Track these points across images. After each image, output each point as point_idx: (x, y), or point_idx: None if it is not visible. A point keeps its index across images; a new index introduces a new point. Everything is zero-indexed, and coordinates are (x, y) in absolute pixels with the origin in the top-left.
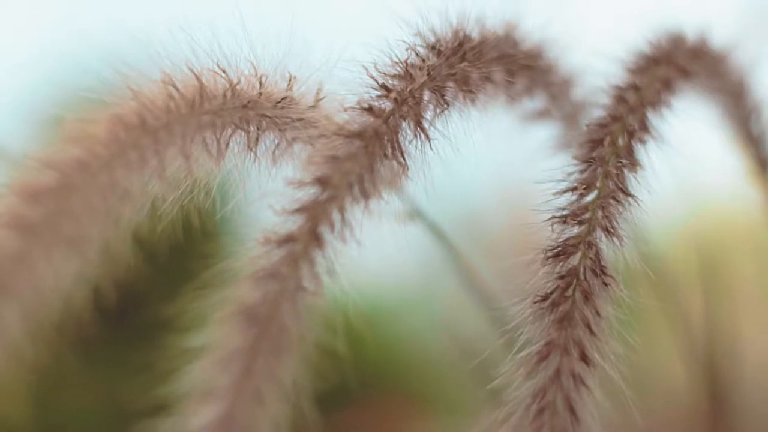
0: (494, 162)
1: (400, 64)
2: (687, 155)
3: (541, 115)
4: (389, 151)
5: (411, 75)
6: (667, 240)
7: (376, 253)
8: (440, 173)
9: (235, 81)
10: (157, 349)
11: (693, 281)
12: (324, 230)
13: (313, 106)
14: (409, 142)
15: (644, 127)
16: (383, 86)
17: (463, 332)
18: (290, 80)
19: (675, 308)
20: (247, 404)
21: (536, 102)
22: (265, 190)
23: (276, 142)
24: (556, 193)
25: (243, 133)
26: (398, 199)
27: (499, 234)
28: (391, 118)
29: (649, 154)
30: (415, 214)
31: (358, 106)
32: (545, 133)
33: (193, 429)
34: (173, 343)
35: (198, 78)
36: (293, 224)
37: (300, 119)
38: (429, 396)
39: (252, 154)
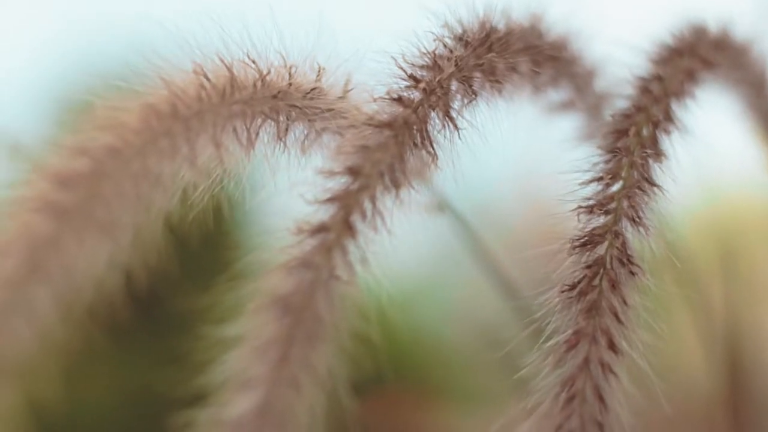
0: (517, 152)
1: (429, 55)
2: (707, 145)
3: (565, 106)
4: (419, 140)
5: (439, 66)
6: (687, 229)
7: (399, 242)
8: (465, 163)
9: (265, 72)
10: (190, 339)
11: (713, 270)
12: (356, 219)
13: (342, 97)
14: (438, 132)
15: (668, 117)
16: (412, 77)
17: (485, 322)
18: (319, 71)
19: (695, 296)
20: (283, 392)
21: (560, 93)
22: (295, 179)
23: (305, 132)
24: (582, 183)
25: (273, 123)
26: (425, 189)
27: (520, 224)
28: (420, 108)
29: (673, 144)
30: (443, 204)
31: (387, 97)
32: (569, 124)
33: (229, 418)
34: (207, 333)
35: (229, 68)
36: (325, 214)
37: (329, 110)
38: (448, 386)
39: (281, 143)
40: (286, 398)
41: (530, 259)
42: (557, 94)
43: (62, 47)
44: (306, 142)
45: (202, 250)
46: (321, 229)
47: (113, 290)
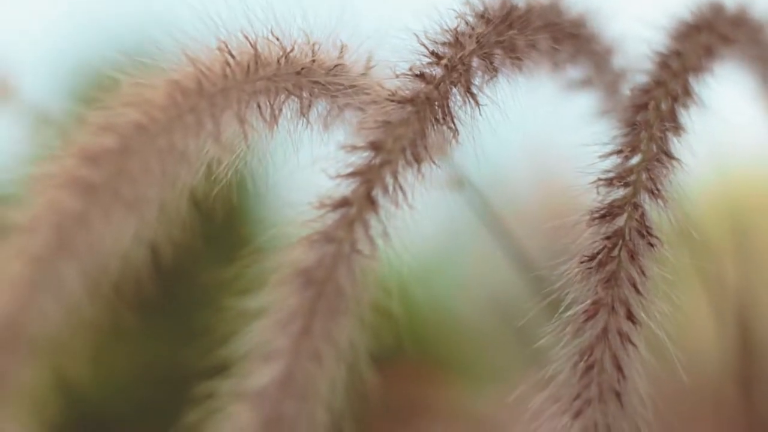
0: (536, 128)
1: (450, 32)
2: (722, 120)
3: (584, 82)
4: (440, 116)
5: (461, 42)
6: (700, 203)
7: (420, 216)
8: (485, 138)
9: (288, 49)
10: (215, 311)
11: (726, 244)
12: (378, 194)
13: (364, 74)
14: (459, 108)
15: (687, 91)
16: (434, 53)
17: (503, 295)
18: (342, 48)
19: (708, 270)
20: (305, 364)
21: (579, 69)
22: (317, 155)
23: (328, 108)
24: (601, 156)
25: (296, 99)
26: (446, 164)
27: (538, 198)
28: (442, 84)
29: (691, 118)
30: (462, 179)
31: (409, 73)
32: (587, 100)
33: (252, 389)
34: (231, 305)
35: (253, 45)
36: (347, 188)
37: (352, 86)
38: (465, 359)
39: (304, 119)
40: (308, 370)
41: (548, 231)
42: (576, 71)
43: (83, 20)
44: (328, 117)
45: (226, 224)
46: (343, 203)
47: (139, 265)
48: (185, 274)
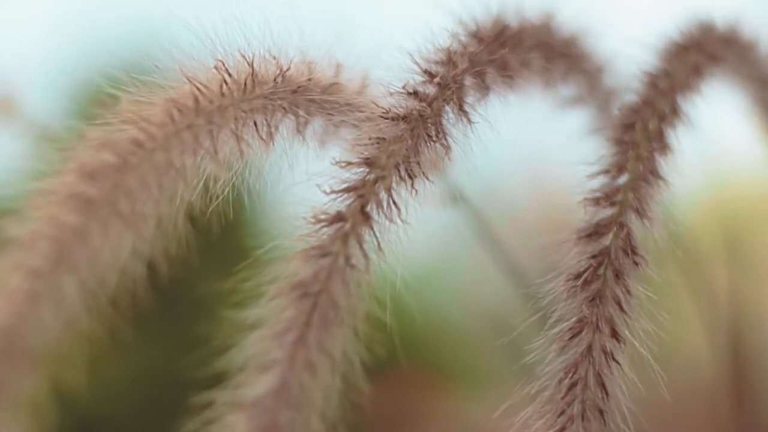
0: (528, 145)
1: (443, 51)
2: (714, 135)
3: (576, 100)
4: (433, 133)
5: (453, 61)
6: (692, 216)
7: (414, 231)
8: (478, 155)
9: (285, 67)
10: (212, 324)
11: (717, 256)
12: (372, 209)
13: (359, 92)
14: (452, 126)
15: (675, 111)
16: (427, 72)
17: (494, 309)
18: (338, 67)
19: (699, 283)
20: (300, 374)
21: (571, 88)
22: (313, 171)
23: (324, 126)
24: (590, 176)
25: (292, 117)
26: (440, 180)
27: (530, 214)
28: (435, 102)
29: (678, 137)
30: (456, 194)
31: (403, 91)
32: (578, 118)
33: (248, 398)
34: (228, 317)
35: (250, 64)
36: (342, 203)
37: (347, 104)
38: (457, 369)
39: (300, 137)
40: (302, 380)
41: (539, 247)
42: (568, 89)
43: (83, 38)
44: (324, 135)
45: (223, 238)
46: (338, 218)
47: (137, 278)
48: (184, 287)
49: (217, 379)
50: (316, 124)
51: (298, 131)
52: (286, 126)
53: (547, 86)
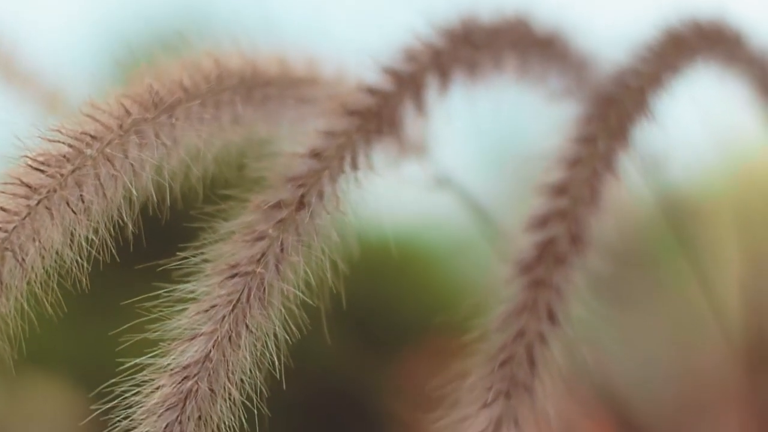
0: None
1: (407, 49)
2: (725, 119)
3: (549, 96)
4: (386, 128)
5: (416, 58)
6: (706, 203)
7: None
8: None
9: (253, 62)
10: (153, 297)
11: (731, 243)
12: (312, 198)
13: (324, 87)
14: (411, 121)
15: (639, 107)
16: (389, 69)
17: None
18: (306, 62)
19: (712, 272)
20: (223, 348)
21: (545, 85)
22: (261, 160)
23: (288, 119)
24: (547, 168)
25: (258, 110)
26: (425, 166)
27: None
28: (392, 98)
29: (643, 133)
30: (444, 180)
31: (363, 88)
32: (550, 112)
33: (175, 366)
34: (167, 293)
35: (217, 58)
36: (285, 192)
37: (311, 99)
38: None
39: (264, 128)
40: (225, 353)
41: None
42: (541, 86)
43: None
44: (286, 127)
45: (172, 222)
46: (278, 206)
47: (84, 256)
48: (129, 264)
49: (149, 347)
50: (281, 116)
51: (262, 123)
52: (250, 117)
53: (521, 84)
